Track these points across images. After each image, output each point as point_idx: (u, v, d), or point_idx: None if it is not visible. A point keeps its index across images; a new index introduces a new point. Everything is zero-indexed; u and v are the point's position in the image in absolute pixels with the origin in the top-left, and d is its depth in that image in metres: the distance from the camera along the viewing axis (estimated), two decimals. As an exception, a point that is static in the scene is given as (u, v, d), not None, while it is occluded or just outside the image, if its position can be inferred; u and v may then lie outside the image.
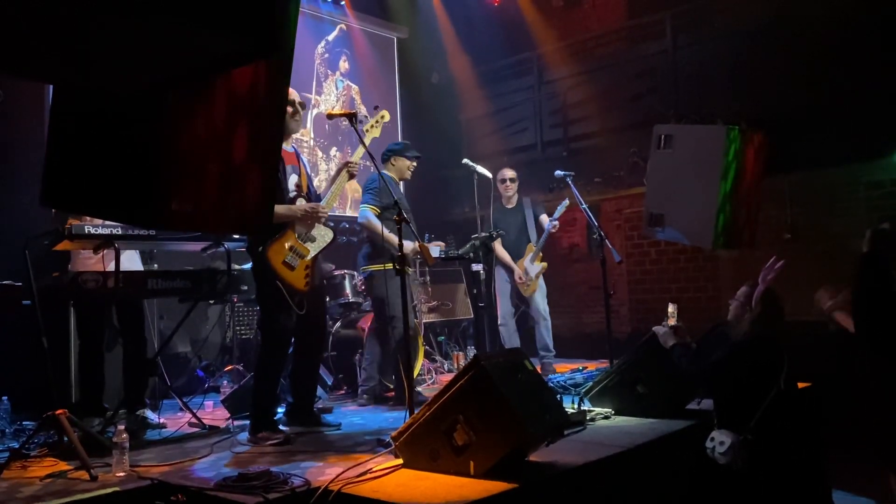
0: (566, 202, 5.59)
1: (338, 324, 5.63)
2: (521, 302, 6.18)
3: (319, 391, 4.72)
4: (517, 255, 6.10)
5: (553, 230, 5.89)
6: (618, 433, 3.53)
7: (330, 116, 3.89)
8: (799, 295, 6.09)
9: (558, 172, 5.63)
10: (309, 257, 3.81)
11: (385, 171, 5.02)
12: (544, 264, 6.11)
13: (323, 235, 3.89)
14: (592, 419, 3.83)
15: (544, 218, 6.17)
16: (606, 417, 3.91)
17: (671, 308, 4.78)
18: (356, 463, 3.02)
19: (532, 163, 7.79)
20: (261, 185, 2.62)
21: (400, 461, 2.97)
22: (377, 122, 4.25)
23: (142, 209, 2.25)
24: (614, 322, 9.04)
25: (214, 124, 2.41)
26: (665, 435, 3.50)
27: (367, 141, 4.08)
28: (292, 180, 3.87)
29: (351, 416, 4.45)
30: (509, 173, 6.14)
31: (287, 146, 3.90)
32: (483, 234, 4.45)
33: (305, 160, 4.11)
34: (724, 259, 7.63)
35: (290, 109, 3.72)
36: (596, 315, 9.05)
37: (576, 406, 3.95)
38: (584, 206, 5.43)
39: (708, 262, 7.86)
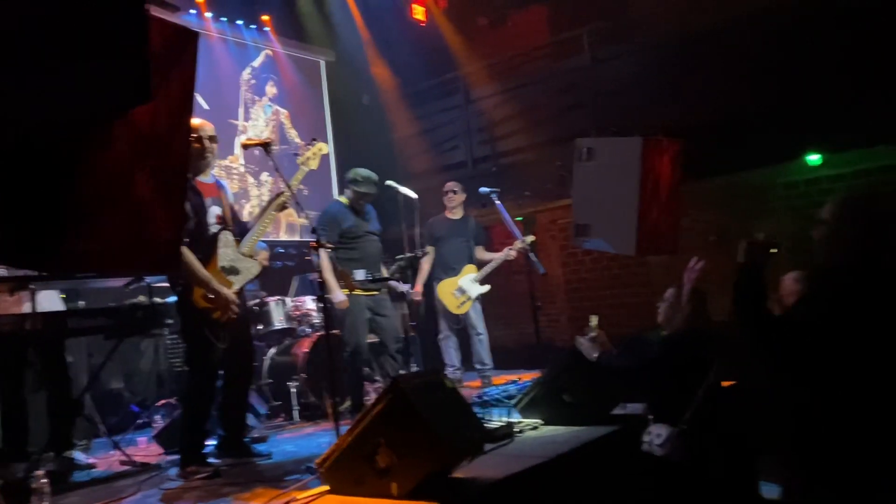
0: (523, 241, 5.73)
1: (272, 350, 5.61)
2: (446, 318, 6.29)
3: (253, 421, 4.71)
4: (452, 267, 6.22)
5: (510, 258, 6.05)
6: (543, 443, 3.60)
7: (245, 146, 3.89)
8: (727, 295, 6.34)
9: (483, 189, 5.78)
10: (232, 290, 3.76)
11: (341, 199, 5.26)
12: (487, 287, 6.24)
13: (248, 268, 3.84)
14: (521, 431, 3.90)
15: (481, 250, 6.40)
16: (535, 428, 3.97)
17: (593, 320, 4.93)
18: (282, 492, 3.03)
19: (464, 180, 7.91)
20: (168, 222, 2.63)
21: (326, 488, 2.99)
22: (314, 154, 4.18)
23: (41, 254, 2.24)
24: (554, 331, 9.25)
25: (115, 162, 2.42)
26: (589, 441, 3.58)
27: (303, 173, 4.10)
28: (213, 212, 3.82)
29: (284, 444, 4.44)
30: (453, 186, 6.41)
31: (205, 178, 3.85)
32: (409, 255, 4.52)
33: (229, 190, 4.07)
34: (654, 264, 7.84)
35: (201, 145, 3.70)
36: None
37: (505, 419, 4.01)
38: (510, 220, 5.57)
39: (640, 268, 8.08)
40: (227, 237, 3.81)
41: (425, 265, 6.25)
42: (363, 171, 5.11)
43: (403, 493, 2.75)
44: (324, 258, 4.56)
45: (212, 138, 3.78)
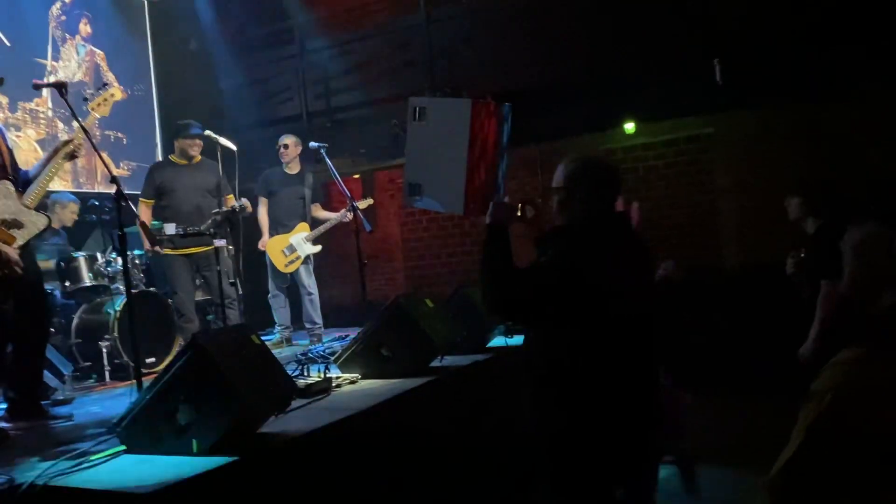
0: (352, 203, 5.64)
1: (81, 309, 5.27)
2: (275, 276, 6.21)
3: (56, 383, 4.43)
4: (284, 223, 6.10)
5: (345, 220, 5.97)
6: (358, 396, 3.66)
7: (36, 87, 3.55)
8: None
9: (312, 144, 5.68)
10: (15, 246, 3.44)
11: (171, 156, 5.34)
12: (319, 247, 6.18)
13: (34, 222, 3.52)
14: (339, 386, 3.94)
15: (318, 208, 6.29)
16: (353, 382, 4.03)
17: None
18: (74, 454, 2.88)
19: (298, 133, 7.74)
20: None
21: (124, 448, 2.87)
22: (105, 99, 3.88)
23: None
24: (392, 288, 9.38)
25: None
26: (403, 392, 3.69)
27: (93, 118, 3.81)
28: None
29: (91, 405, 4.21)
30: (286, 139, 6.21)
31: None
32: (225, 209, 4.37)
33: (6, 133, 3.68)
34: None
35: None
36: (375, 283, 9.29)
37: (321, 374, 4.03)
38: (338, 177, 5.52)
39: (473, 227, 8.35)
40: (6, 187, 3.46)
41: (263, 217, 6.10)
42: (181, 122, 5.17)
43: (203, 450, 2.70)
44: (140, 211, 4.92)
45: None
